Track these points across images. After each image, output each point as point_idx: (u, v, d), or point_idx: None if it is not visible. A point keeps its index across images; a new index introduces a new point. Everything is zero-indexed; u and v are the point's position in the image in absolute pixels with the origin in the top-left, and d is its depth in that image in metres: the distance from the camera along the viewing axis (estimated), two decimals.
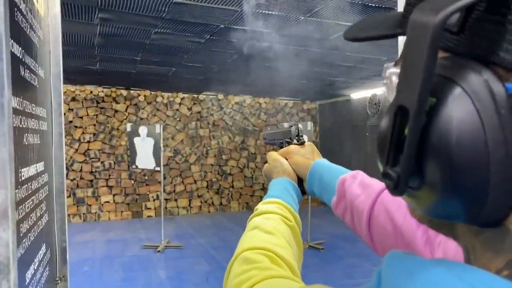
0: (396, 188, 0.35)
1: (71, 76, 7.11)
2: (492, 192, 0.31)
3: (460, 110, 0.32)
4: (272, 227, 0.77)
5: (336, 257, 6.10)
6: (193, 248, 6.47)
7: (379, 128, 0.39)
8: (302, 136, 1.08)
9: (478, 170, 0.31)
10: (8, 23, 0.68)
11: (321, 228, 7.56)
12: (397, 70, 0.43)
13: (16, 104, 0.83)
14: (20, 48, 0.88)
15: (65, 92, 7.99)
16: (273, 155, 1.05)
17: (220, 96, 9.28)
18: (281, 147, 1.08)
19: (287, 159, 1.02)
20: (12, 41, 0.79)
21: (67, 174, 8.07)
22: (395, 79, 0.43)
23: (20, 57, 0.89)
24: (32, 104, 1.01)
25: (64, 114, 7.84)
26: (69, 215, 8.09)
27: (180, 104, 8.98)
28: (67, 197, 8.06)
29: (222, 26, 4.08)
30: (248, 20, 3.85)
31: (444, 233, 0.41)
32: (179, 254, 6.18)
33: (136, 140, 6.46)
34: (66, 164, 8.02)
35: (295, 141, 1.07)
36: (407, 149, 0.33)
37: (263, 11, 3.64)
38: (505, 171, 0.31)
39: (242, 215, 8.59)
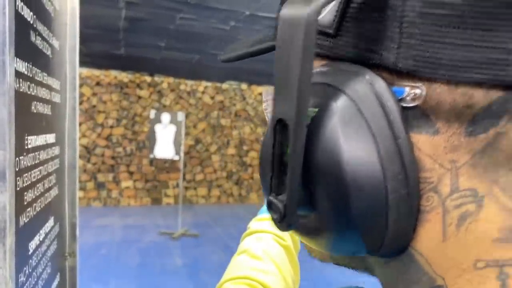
0: (282, 221, 0.28)
1: (96, 60, 7.17)
2: (391, 214, 0.27)
3: (345, 119, 0.27)
4: (261, 250, 0.73)
5: None
6: (210, 237, 6.48)
7: (260, 150, 0.34)
8: None
9: (373, 188, 0.26)
10: None
11: None
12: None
13: (24, 69, 0.81)
14: (31, 13, 0.86)
15: (89, 77, 8.08)
16: None
17: (244, 86, 9.24)
18: None
19: None
20: (21, 2, 0.77)
21: (89, 158, 8.17)
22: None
23: (31, 22, 0.87)
24: (44, 73, 0.99)
25: (88, 98, 7.94)
26: (89, 198, 8.20)
27: (203, 92, 8.98)
28: (88, 181, 8.16)
29: (248, 13, 4.04)
30: (275, 7, 3.80)
31: (353, 267, 0.36)
32: (196, 243, 6.21)
33: (157, 127, 6.48)
34: (88, 148, 8.13)
35: None
36: (291, 171, 0.27)
37: None
38: (400, 188, 0.26)
39: (261, 207, 8.58)
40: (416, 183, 0.26)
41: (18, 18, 0.73)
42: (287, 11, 0.26)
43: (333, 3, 0.28)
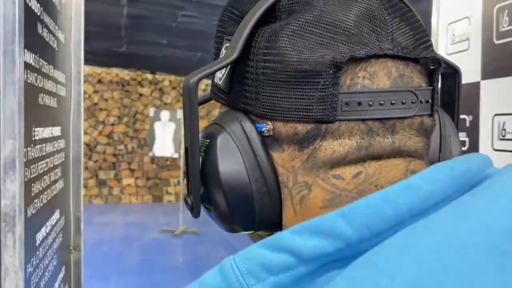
0: (192, 212, 0.44)
1: (97, 57, 7.17)
2: (256, 204, 0.41)
3: (223, 145, 0.42)
4: None
5: None
6: (211, 235, 6.48)
7: None
8: None
9: (243, 189, 0.41)
10: None
11: None
12: None
13: (31, 60, 0.81)
14: (38, 4, 0.86)
15: (91, 74, 8.08)
16: None
17: None
18: None
19: None
20: None
21: (90, 156, 8.17)
22: None
23: (38, 14, 0.87)
24: (50, 66, 0.99)
25: (90, 96, 7.93)
26: (90, 196, 8.21)
27: (204, 90, 8.96)
28: (90, 178, 8.16)
29: None
30: None
31: None
32: (197, 240, 6.21)
33: (156, 125, 6.47)
34: (90, 145, 8.13)
35: None
36: (191, 179, 0.42)
37: None
38: (262, 187, 0.41)
39: None
40: (275, 184, 0.41)
41: (26, 9, 0.73)
42: (185, 79, 0.41)
43: (227, 71, 0.43)
